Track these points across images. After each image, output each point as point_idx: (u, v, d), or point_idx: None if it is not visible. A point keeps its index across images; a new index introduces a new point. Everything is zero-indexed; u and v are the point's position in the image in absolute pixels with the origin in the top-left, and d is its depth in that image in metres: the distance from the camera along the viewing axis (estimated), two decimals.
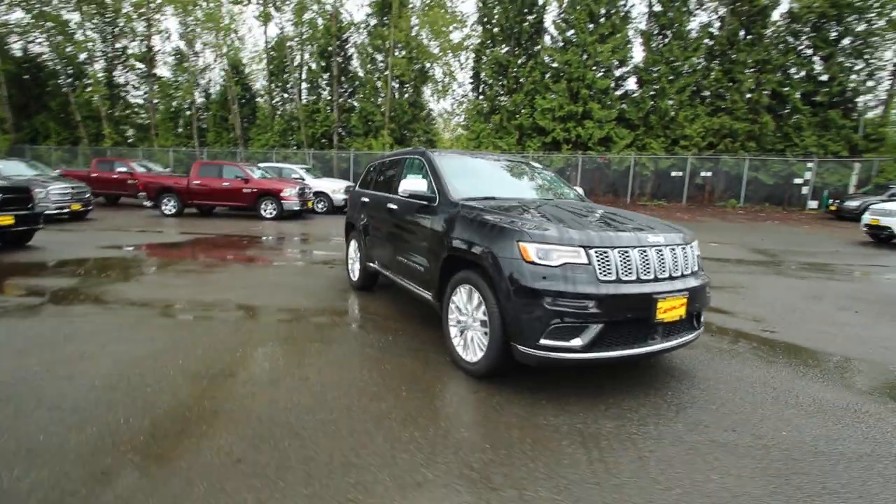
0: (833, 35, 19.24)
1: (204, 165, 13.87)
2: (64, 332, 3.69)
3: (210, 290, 5.21)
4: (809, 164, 18.86)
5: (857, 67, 18.99)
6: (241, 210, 13.73)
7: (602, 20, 21.78)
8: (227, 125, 27.38)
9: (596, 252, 2.63)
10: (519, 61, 23.45)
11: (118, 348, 3.37)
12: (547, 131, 22.39)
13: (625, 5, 21.94)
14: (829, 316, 4.80)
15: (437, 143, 27.06)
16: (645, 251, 2.74)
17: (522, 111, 22.96)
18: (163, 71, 28.60)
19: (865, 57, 18.85)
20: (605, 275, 2.62)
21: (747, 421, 2.58)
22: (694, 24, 21.28)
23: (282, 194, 13.04)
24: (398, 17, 23.16)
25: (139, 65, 28.18)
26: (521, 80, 23.22)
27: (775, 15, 20.26)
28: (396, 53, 23.90)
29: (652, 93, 21.58)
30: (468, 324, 3.10)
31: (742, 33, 20.43)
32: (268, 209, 13.17)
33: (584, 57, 21.47)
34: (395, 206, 4.29)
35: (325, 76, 26.28)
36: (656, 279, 2.74)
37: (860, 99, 19.20)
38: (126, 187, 15.28)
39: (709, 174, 20.37)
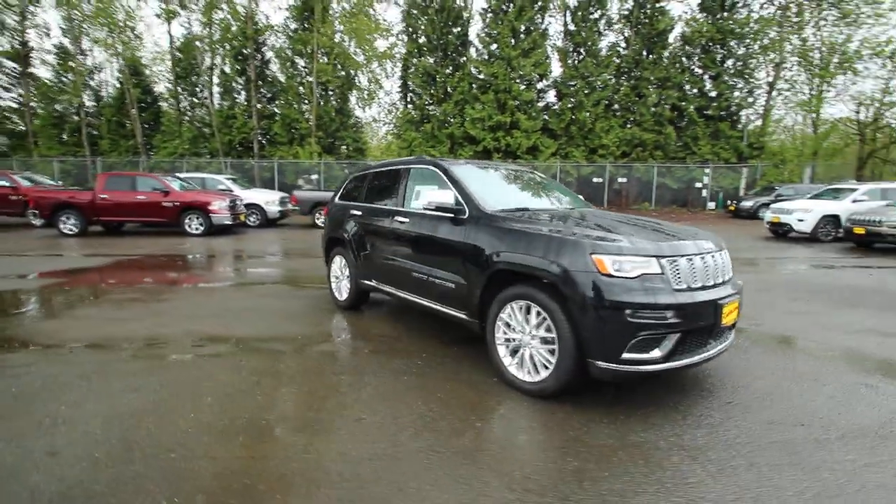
0: (719, 57, 22.00)
1: (112, 177, 12.15)
2: (12, 390, 2.91)
3: (170, 321, 4.49)
4: (706, 170, 21.30)
5: (739, 86, 21.88)
6: (159, 227, 12.23)
7: (523, 36, 22.86)
8: (125, 132, 24.42)
9: (668, 261, 2.63)
10: (447, 71, 23.77)
11: (99, 406, 2.72)
12: (478, 140, 22.91)
13: (542, 23, 23.26)
14: (788, 306, 5.33)
15: (367, 152, 26.49)
16: (703, 258, 2.79)
17: (453, 120, 23.27)
18: (42, 72, 24.78)
19: (745, 76, 21.79)
20: (677, 284, 2.62)
21: (805, 411, 2.71)
22: (605, 44, 23.08)
23: (210, 207, 11.84)
24: (322, 21, 22.35)
25: (10, 64, 24.12)
26: (450, 89, 23.59)
27: (673, 38, 22.65)
28: (321, 59, 23.02)
29: (571, 105, 23.05)
30: (523, 342, 2.94)
31: (645, 53, 22.57)
32: (193, 224, 11.89)
33: (509, 70, 22.35)
34: (405, 220, 4.00)
35: (241, 80, 24.53)
36: (715, 285, 2.80)
37: (743, 113, 22.12)
38: (8, 203, 12.89)
39: (624, 180, 22.17)
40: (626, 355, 2.52)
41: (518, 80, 22.74)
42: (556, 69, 23.76)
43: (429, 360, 3.56)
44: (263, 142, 24.68)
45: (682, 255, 2.69)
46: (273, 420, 2.59)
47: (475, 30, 24.13)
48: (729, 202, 18.87)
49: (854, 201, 11.19)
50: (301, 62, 24.15)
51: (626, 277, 2.54)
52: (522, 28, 22.91)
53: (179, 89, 24.87)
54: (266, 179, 22.82)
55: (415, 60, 24.04)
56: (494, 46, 22.96)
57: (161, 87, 26.22)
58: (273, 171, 22.63)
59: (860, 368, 3.46)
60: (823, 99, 20.99)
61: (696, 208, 21.69)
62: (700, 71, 22.47)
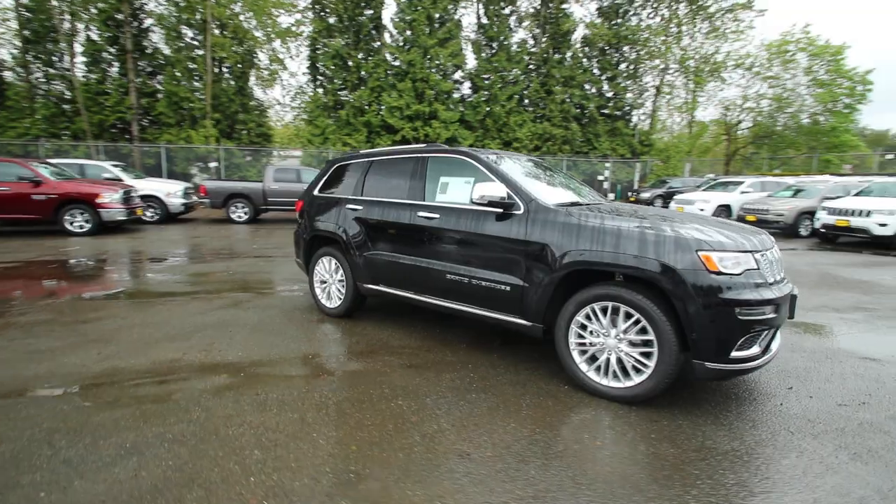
0: (615, 60, 24.02)
1: None
2: None
3: (121, 349, 3.56)
4: (607, 164, 23.25)
5: (632, 88, 24.14)
6: (28, 225, 9.88)
7: (438, 25, 22.64)
8: None
9: (760, 256, 2.64)
10: (360, 56, 22.67)
11: (92, 486, 1.97)
12: (396, 129, 22.30)
13: (455, 13, 23.25)
14: None
15: (272, 138, 24.34)
16: (774, 252, 2.87)
17: (369, 108, 22.35)
18: None
19: (636, 80, 24.11)
20: (769, 279, 2.64)
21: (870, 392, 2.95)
22: (516, 39, 23.84)
23: (98, 200, 9.86)
24: None
25: None
26: (364, 75, 22.59)
27: (576, 39, 24.18)
28: (215, 32, 20.45)
29: (485, 98, 23.50)
30: (607, 345, 2.78)
31: (552, 52, 23.81)
32: (77, 221, 9.81)
33: (427, 59, 22.02)
34: (434, 215, 3.59)
35: (113, 50, 20.81)
36: (783, 279, 2.89)
37: (635, 113, 24.50)
38: None
39: None
40: (734, 353, 2.49)
41: (435, 70, 22.51)
42: (471, 62, 23.97)
43: (480, 371, 3.25)
44: (145, 123, 21.31)
45: (766, 250, 2.72)
46: (361, 471, 2.10)
47: (389, 13, 23.32)
48: (630, 193, 20.83)
49: (742, 192, 12.97)
50: (189, 33, 21.19)
51: (733, 274, 2.50)
52: (438, 16, 22.66)
53: (29, 57, 20.32)
54: (150, 167, 19.74)
55: (324, 41, 22.52)
56: (410, 33, 22.42)
57: (4, 53, 21.22)
58: (161, 157, 19.66)
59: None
60: (697, 103, 24.22)
61: None
62: (599, 72, 24.32)
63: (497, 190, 3.15)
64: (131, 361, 3.32)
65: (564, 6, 23.72)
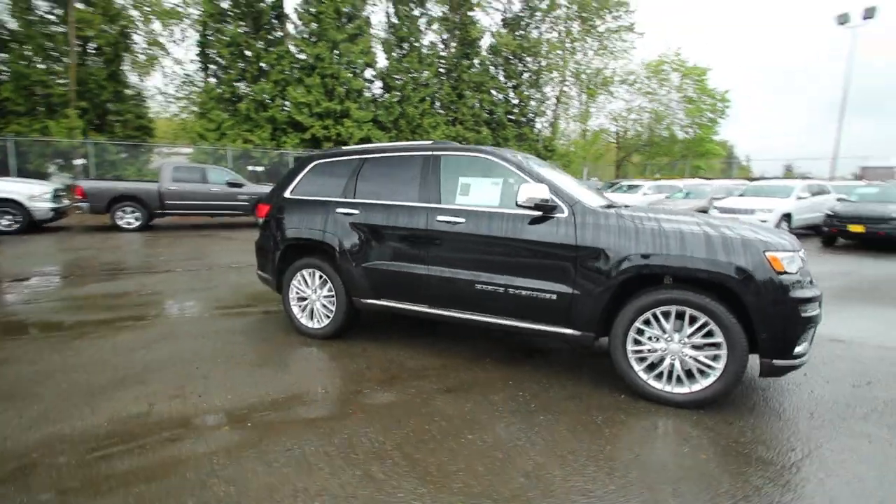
0: (518, 70, 25.25)
1: None
2: None
3: (57, 407, 2.68)
4: None
5: (534, 96, 25.58)
6: None
7: (346, 20, 21.75)
8: None
9: (802, 255, 2.76)
10: (259, 44, 20.85)
11: None
12: (305, 127, 20.94)
13: (364, 9, 22.56)
14: None
15: (154, 132, 21.29)
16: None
17: (273, 103, 20.67)
18: None
19: (538, 89, 25.61)
20: (809, 277, 2.78)
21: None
22: (427, 42, 23.86)
23: None
24: None
25: None
26: (265, 66, 20.84)
27: (484, 47, 24.95)
28: (80, 6, 17.27)
29: (398, 98, 23.16)
30: (670, 350, 2.72)
31: (463, 58, 24.28)
32: None
33: (337, 54, 21.03)
34: (458, 219, 3.24)
35: None
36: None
37: (539, 120, 26.01)
38: None
39: None
40: (797, 349, 2.56)
41: (345, 67, 21.58)
42: (383, 61, 23.45)
43: (526, 387, 3.00)
44: None
45: (802, 249, 2.86)
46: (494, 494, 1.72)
47: (293, 2, 21.82)
48: None
49: (644, 194, 14.37)
50: (44, 5, 17.60)
51: (792, 273, 2.56)
52: (347, 10, 21.75)
53: None
54: None
55: (217, 26, 20.29)
56: (317, 26, 21.20)
57: None
58: (6, 153, 16.00)
59: None
60: (590, 113, 26.58)
61: None
62: (505, 80, 25.39)
63: (541, 191, 2.92)
64: (77, 423, 2.46)
65: (472, 13, 24.33)
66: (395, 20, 23.66)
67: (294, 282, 3.98)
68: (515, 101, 25.65)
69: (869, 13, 17.19)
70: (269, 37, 21.15)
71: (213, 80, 20.91)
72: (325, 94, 21.21)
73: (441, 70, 24.33)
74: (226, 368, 3.22)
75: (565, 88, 26.36)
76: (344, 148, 4.09)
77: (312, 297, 3.92)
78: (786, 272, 2.53)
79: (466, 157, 3.42)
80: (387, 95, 23.33)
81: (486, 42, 25.18)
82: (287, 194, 4.10)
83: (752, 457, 2.23)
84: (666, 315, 2.70)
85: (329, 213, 3.78)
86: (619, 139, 29.16)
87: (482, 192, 3.30)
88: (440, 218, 3.30)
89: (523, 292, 3.04)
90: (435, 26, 24.69)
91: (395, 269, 3.50)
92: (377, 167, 3.73)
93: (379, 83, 23.82)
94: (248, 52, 20.45)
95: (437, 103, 24.38)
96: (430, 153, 3.51)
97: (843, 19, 18.09)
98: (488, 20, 25.45)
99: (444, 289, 3.31)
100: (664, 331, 2.72)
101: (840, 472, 2.13)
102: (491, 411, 2.67)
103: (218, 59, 20.63)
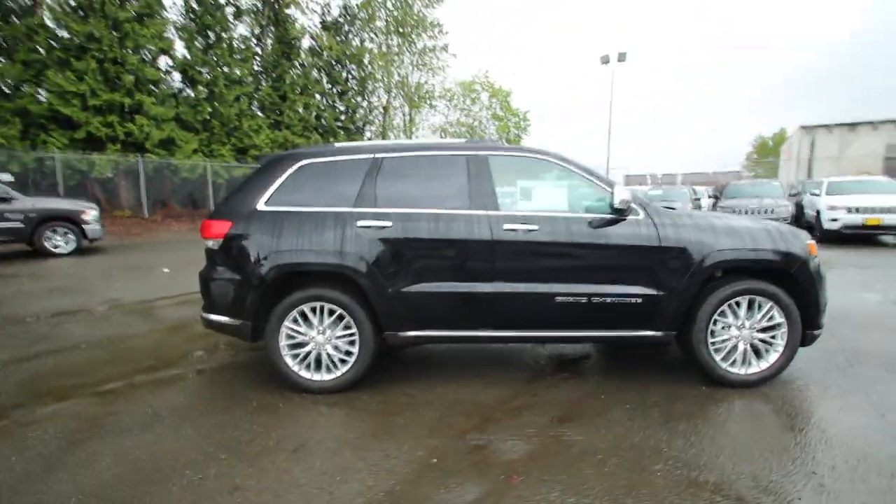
0: (343, 76, 24.59)
1: None
2: None
3: None
4: None
5: (362, 104, 25.27)
6: None
7: None
8: None
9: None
10: None
11: None
12: (77, 123, 16.09)
13: None
14: None
15: None
16: None
17: (24, 90, 15.33)
18: None
19: (364, 97, 25.39)
20: None
21: None
22: (239, 35, 21.15)
23: None
24: None
25: None
26: (4, 42, 15.33)
27: (306, 48, 23.45)
28: None
29: (206, 95, 19.90)
30: (742, 337, 3.00)
31: (282, 58, 22.35)
32: None
33: (120, 35, 16.81)
34: (533, 226, 2.93)
35: None
36: None
37: (368, 128, 25.76)
38: None
39: None
40: (822, 320, 3.09)
41: (132, 51, 17.43)
42: (184, 51, 19.76)
43: (626, 398, 2.94)
44: None
45: None
46: None
47: None
48: None
49: None
50: None
51: (818, 257, 3.10)
52: None
53: None
54: None
55: None
56: None
57: None
58: None
59: None
60: (415, 124, 27.66)
61: None
62: (330, 85, 24.39)
63: (627, 194, 2.84)
64: None
65: (288, 11, 22.59)
66: (195, 5, 20.23)
67: (286, 323, 2.95)
68: (343, 108, 24.87)
69: (622, 56, 22.62)
70: (10, 3, 15.57)
71: None
72: (105, 83, 16.72)
73: (258, 68, 21.87)
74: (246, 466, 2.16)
75: (391, 99, 26.84)
76: (338, 145, 3.23)
77: (318, 341, 3.00)
78: (817, 256, 3.04)
79: (519, 158, 3.14)
80: (193, 91, 19.77)
81: (307, 44, 23.73)
82: (260, 206, 3.03)
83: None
84: (738, 305, 2.94)
85: (344, 227, 2.94)
86: None
87: (547, 195, 3.06)
88: (507, 226, 2.90)
89: (608, 300, 2.92)
90: (246, 18, 22.08)
91: (448, 290, 2.93)
92: (401, 169, 3.08)
93: (179, 76, 20.02)
94: None
95: (257, 104, 21.83)
96: (474, 153, 3.08)
97: (605, 60, 23.33)
98: (307, 20, 24.01)
99: (515, 307, 2.94)
100: (739, 318, 2.95)
101: None
102: (631, 431, 2.50)
103: None
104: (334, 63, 24.34)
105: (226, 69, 20.22)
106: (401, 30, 25.76)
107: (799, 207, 13.13)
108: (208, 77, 19.60)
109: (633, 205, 2.98)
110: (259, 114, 21.80)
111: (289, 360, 3.02)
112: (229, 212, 3.07)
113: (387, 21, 25.32)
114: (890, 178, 12.39)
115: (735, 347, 3.04)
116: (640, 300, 2.95)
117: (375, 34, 25.68)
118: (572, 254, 2.97)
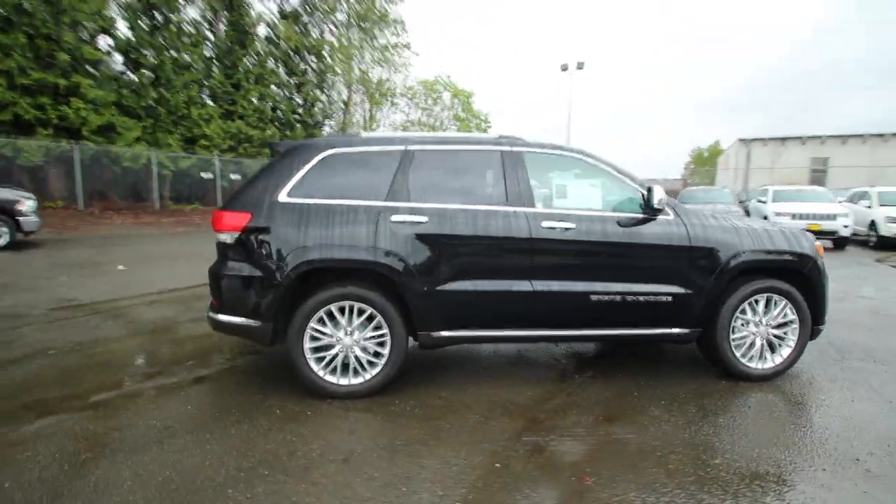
0: (301, 68, 23.71)
1: None
2: None
3: None
4: None
5: (321, 98, 24.46)
6: None
7: None
8: None
9: None
10: None
11: None
12: (2, 104, 14.45)
13: None
14: None
15: None
16: None
17: None
18: None
19: (324, 90, 24.60)
20: None
21: None
22: (189, 18, 19.82)
23: None
24: None
25: None
26: None
27: (263, 37, 22.37)
28: None
29: (151, 80, 18.49)
30: (759, 333, 3.16)
31: (237, 45, 21.20)
32: None
33: (55, 10, 15.26)
34: (570, 225, 2.92)
35: None
36: None
37: (328, 123, 24.97)
38: None
39: (238, 177, 20.34)
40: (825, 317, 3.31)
41: (69, 28, 15.89)
42: (127, 31, 18.25)
43: (662, 394, 2.95)
44: None
45: None
46: None
47: None
48: None
49: None
50: None
51: (822, 256, 3.30)
52: None
53: None
54: None
55: None
56: None
57: None
58: None
59: None
60: (376, 121, 27.10)
61: None
62: (287, 77, 23.43)
63: (664, 194, 2.88)
64: None
65: None
66: None
67: (311, 324, 2.75)
68: (301, 101, 23.96)
69: (580, 65, 23.42)
70: None
71: None
72: (35, 61, 15.12)
73: (209, 54, 20.59)
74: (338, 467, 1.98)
75: (352, 94, 26.16)
76: (365, 135, 3.05)
77: (346, 343, 2.82)
78: (822, 256, 3.24)
79: (554, 157, 3.12)
80: (137, 74, 18.29)
81: (263, 32, 22.65)
82: (282, 197, 2.80)
83: None
84: (757, 302, 3.07)
85: (377, 222, 2.78)
86: None
87: (582, 194, 3.07)
88: (546, 224, 2.86)
89: (641, 298, 2.96)
90: (197, 1, 20.73)
91: (488, 289, 2.85)
92: (435, 162, 2.95)
93: (122, 58, 18.46)
94: None
95: (209, 92, 20.55)
96: (508, 149, 3.01)
97: (564, 67, 24.06)
98: (263, 7, 22.87)
99: (552, 305, 2.92)
100: (757, 314, 3.08)
101: None
102: (678, 427, 2.52)
103: None
104: (292, 53, 23.40)
105: (174, 53, 18.90)
106: (362, 24, 25.19)
107: (746, 213, 14.20)
108: (154, 61, 18.24)
109: (665, 206, 3.04)
110: (210, 102, 20.56)
111: (313, 364, 2.80)
112: (247, 203, 2.81)
113: (348, 14, 24.66)
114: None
115: (753, 343, 3.18)
116: (670, 298, 3.02)
117: (336, 27, 24.96)
118: (608, 252, 2.99)
